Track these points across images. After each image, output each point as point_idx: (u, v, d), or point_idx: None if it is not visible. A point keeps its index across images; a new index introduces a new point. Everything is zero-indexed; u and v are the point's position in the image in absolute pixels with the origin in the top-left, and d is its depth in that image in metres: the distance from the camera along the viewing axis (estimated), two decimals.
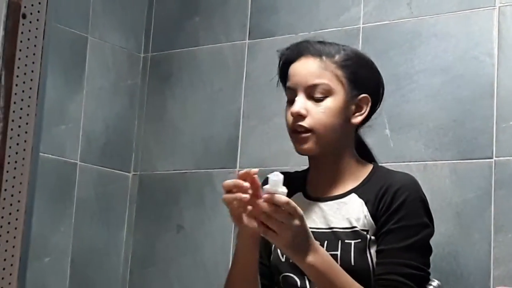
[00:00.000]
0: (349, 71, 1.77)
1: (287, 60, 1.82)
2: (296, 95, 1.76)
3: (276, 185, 1.55)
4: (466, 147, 2.24)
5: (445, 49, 2.32)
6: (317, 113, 1.73)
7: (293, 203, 1.56)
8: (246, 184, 1.57)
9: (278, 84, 1.86)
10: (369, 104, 1.79)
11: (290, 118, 1.76)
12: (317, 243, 1.63)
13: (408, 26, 2.39)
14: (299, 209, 1.57)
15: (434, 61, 2.33)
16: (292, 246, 1.58)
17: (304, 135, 1.74)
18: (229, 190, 1.59)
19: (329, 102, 1.74)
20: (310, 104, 1.75)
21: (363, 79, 1.79)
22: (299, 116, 1.74)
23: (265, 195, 1.55)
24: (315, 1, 2.56)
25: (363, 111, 1.79)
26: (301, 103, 1.74)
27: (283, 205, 1.54)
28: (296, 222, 1.55)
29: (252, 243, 1.67)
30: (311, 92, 1.75)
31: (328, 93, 1.74)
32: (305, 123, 1.73)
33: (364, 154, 1.87)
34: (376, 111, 1.85)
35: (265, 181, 1.57)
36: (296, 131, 1.75)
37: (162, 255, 2.70)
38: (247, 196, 1.57)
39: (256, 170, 1.60)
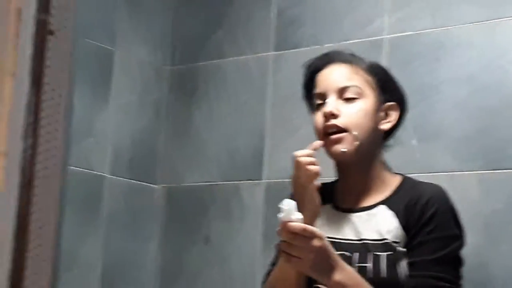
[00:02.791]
0: (378, 78, 1.77)
1: (315, 69, 1.81)
2: (325, 99, 1.75)
3: (290, 213, 1.56)
4: (494, 157, 2.23)
5: (470, 59, 2.32)
6: (351, 113, 1.72)
7: (309, 228, 1.56)
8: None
9: (304, 97, 1.86)
10: (398, 112, 1.79)
11: (320, 121, 1.74)
12: (341, 260, 1.62)
13: (433, 36, 2.39)
14: (317, 230, 1.58)
15: (459, 71, 2.33)
16: (317, 267, 1.58)
17: (338, 135, 1.72)
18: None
19: (361, 103, 1.74)
20: (342, 104, 1.74)
21: (391, 87, 1.80)
22: (332, 116, 1.72)
23: (281, 225, 1.56)
24: (339, 12, 2.57)
25: (391, 119, 1.78)
26: (332, 103, 1.74)
27: (300, 232, 1.54)
28: (316, 243, 1.56)
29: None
30: (342, 94, 1.74)
31: (359, 95, 1.74)
32: (338, 122, 1.72)
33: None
34: (400, 124, 1.85)
35: (279, 211, 1.58)
36: (328, 133, 1.73)
37: (190, 266, 2.71)
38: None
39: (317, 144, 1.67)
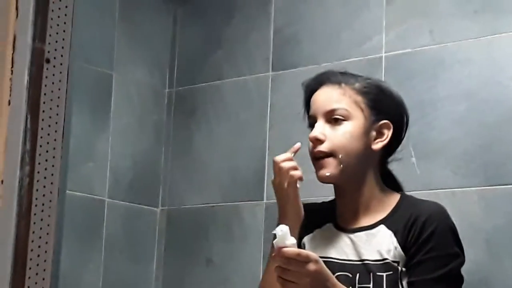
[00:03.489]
0: (369, 98, 1.77)
1: (310, 90, 1.83)
2: (316, 122, 1.77)
3: (284, 238, 1.57)
4: (494, 172, 2.23)
5: (469, 75, 2.32)
6: (336, 136, 1.74)
7: (304, 252, 1.57)
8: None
9: (304, 117, 1.87)
10: (391, 130, 1.79)
11: (311, 145, 1.77)
12: (338, 283, 1.62)
13: (431, 53, 2.39)
14: (312, 254, 1.58)
15: (458, 88, 2.33)
16: None
17: (323, 160, 1.74)
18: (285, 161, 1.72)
19: (348, 126, 1.75)
20: (328, 128, 1.75)
21: (383, 105, 1.79)
22: (318, 141, 1.74)
23: (275, 250, 1.56)
24: (336, 31, 2.58)
25: (384, 137, 1.78)
26: (319, 127, 1.75)
27: (294, 257, 1.55)
28: (312, 267, 1.56)
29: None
30: (329, 117, 1.76)
31: (346, 117, 1.75)
32: (323, 147, 1.74)
33: (391, 184, 1.86)
34: (402, 142, 1.84)
35: (274, 237, 1.59)
36: (316, 157, 1.75)
37: None
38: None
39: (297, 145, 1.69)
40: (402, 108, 1.84)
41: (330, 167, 1.74)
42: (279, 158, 1.74)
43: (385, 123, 1.78)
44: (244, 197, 2.64)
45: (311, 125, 1.79)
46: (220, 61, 2.80)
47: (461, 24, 2.36)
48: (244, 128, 2.71)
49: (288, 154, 1.74)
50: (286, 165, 1.72)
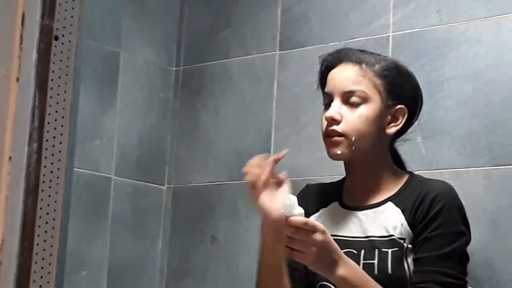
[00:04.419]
0: (388, 81, 1.77)
1: (327, 66, 1.82)
2: (331, 101, 1.77)
3: (291, 208, 1.58)
4: (499, 153, 2.23)
5: (476, 55, 2.32)
6: (352, 119, 1.74)
7: (311, 221, 1.58)
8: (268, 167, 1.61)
9: (318, 87, 1.87)
10: (405, 116, 1.79)
11: (325, 123, 1.76)
12: (344, 255, 1.63)
13: (438, 33, 2.39)
14: (319, 224, 1.59)
15: (465, 68, 2.33)
16: (320, 261, 1.59)
17: (336, 138, 1.74)
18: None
19: (364, 109, 1.75)
20: (345, 109, 1.75)
21: (401, 90, 1.79)
22: (333, 121, 1.74)
23: (283, 221, 1.58)
24: (344, 10, 2.57)
25: (398, 122, 1.79)
26: (336, 107, 1.75)
27: (301, 226, 1.56)
28: (318, 236, 1.57)
29: (274, 235, 1.68)
30: (347, 98, 1.75)
31: (364, 100, 1.75)
32: (338, 128, 1.74)
33: (399, 165, 1.87)
34: (413, 124, 1.85)
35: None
36: (329, 135, 1.76)
37: (197, 266, 2.72)
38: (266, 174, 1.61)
39: (285, 151, 1.65)
40: (418, 92, 1.85)
41: (342, 147, 1.74)
42: (250, 162, 1.70)
43: (400, 108, 1.78)
44: None
45: (327, 102, 1.79)
46: (227, 39, 2.80)
47: (469, 4, 2.35)
48: (250, 107, 2.71)
49: (260, 156, 1.70)
50: (248, 165, 1.69)
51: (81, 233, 2.54)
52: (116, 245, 2.65)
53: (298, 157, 2.56)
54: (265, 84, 2.69)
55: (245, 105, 2.72)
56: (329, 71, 1.81)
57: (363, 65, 1.77)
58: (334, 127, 1.74)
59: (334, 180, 1.96)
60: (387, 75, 1.77)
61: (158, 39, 2.85)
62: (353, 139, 1.73)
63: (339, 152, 1.74)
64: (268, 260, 1.71)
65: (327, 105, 1.79)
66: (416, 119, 1.86)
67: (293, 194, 1.67)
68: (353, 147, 1.74)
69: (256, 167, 1.68)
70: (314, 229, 1.58)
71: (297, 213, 1.59)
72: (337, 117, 1.74)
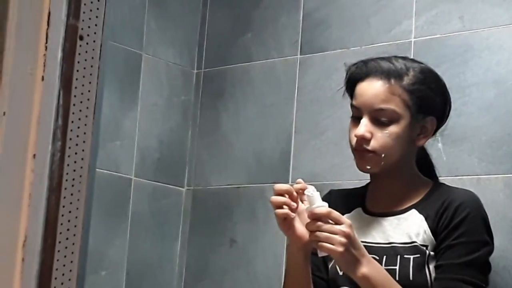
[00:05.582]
0: (417, 96, 1.75)
1: (354, 78, 1.81)
2: (361, 115, 1.76)
3: (314, 200, 1.59)
4: None
5: (498, 62, 2.31)
6: (382, 137, 1.73)
7: (336, 213, 1.58)
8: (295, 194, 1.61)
9: (344, 94, 1.87)
10: (435, 126, 1.79)
11: (354, 138, 1.76)
12: (368, 254, 1.64)
13: (460, 39, 2.38)
14: (345, 218, 1.59)
15: (487, 74, 2.32)
16: (348, 255, 1.59)
17: (366, 154, 1.74)
18: (279, 194, 1.62)
19: (394, 128, 1.74)
20: (374, 127, 1.74)
21: (431, 102, 1.78)
22: (363, 139, 1.74)
23: (307, 214, 1.58)
24: (366, 15, 2.57)
25: (427, 133, 1.78)
26: (365, 126, 1.74)
27: (326, 216, 1.56)
28: (345, 227, 1.57)
29: (302, 255, 1.69)
30: (376, 116, 1.74)
31: (394, 118, 1.73)
32: (369, 146, 1.73)
33: (426, 170, 1.87)
34: (441, 128, 1.85)
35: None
36: (359, 150, 1.75)
37: (215, 268, 2.72)
38: (295, 204, 1.61)
39: (308, 186, 1.63)
40: (447, 100, 1.84)
41: (372, 163, 1.74)
42: (276, 187, 1.68)
43: (430, 119, 1.78)
44: (269, 179, 2.65)
45: (355, 115, 1.78)
46: (249, 43, 2.80)
47: (491, 11, 2.34)
48: (271, 111, 2.71)
49: (286, 186, 1.68)
50: (275, 199, 1.66)
51: (101, 233, 2.55)
52: (135, 246, 2.66)
53: (317, 161, 2.56)
54: (286, 88, 2.69)
55: (265, 109, 2.73)
56: (357, 82, 1.80)
57: (392, 81, 1.75)
58: (364, 146, 1.73)
59: (354, 185, 1.96)
60: (416, 90, 1.76)
61: (179, 41, 2.86)
62: (383, 155, 1.73)
63: (368, 167, 1.75)
64: (296, 277, 1.72)
65: (356, 118, 1.78)
66: (445, 122, 1.85)
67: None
68: (382, 163, 1.74)
69: (282, 198, 1.65)
70: (339, 220, 1.58)
71: (321, 205, 1.59)
72: (368, 135, 1.74)
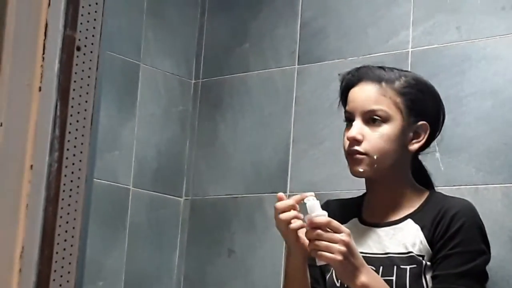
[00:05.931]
0: (408, 98, 1.76)
1: (347, 84, 1.83)
2: (353, 119, 1.77)
3: (314, 209, 1.60)
4: None
5: (495, 72, 2.31)
6: (373, 138, 1.74)
7: (335, 222, 1.59)
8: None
9: (339, 105, 1.88)
10: (428, 132, 1.79)
11: (347, 142, 1.77)
12: (366, 264, 1.64)
13: (458, 49, 2.39)
14: (343, 226, 1.60)
15: (484, 84, 2.32)
16: (347, 264, 1.59)
17: (358, 156, 1.75)
18: (284, 211, 1.63)
19: (386, 128, 1.75)
20: (366, 129, 1.75)
21: (423, 106, 1.78)
22: (355, 141, 1.75)
23: (307, 223, 1.59)
24: (363, 25, 2.57)
25: (421, 138, 1.78)
26: (357, 128, 1.75)
27: (326, 225, 1.57)
28: (344, 236, 1.58)
29: (303, 263, 1.69)
30: (368, 117, 1.76)
31: (385, 119, 1.75)
32: (360, 147, 1.74)
33: (422, 180, 1.87)
34: (437, 138, 1.85)
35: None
36: (351, 153, 1.76)
37: (213, 279, 2.72)
38: (302, 215, 1.62)
39: (308, 194, 1.64)
40: (440, 106, 1.84)
41: (364, 165, 1.75)
42: (279, 205, 1.68)
43: (423, 124, 1.78)
44: (267, 189, 2.65)
45: (348, 121, 1.80)
46: (246, 53, 2.81)
47: (488, 21, 2.35)
48: (269, 121, 2.72)
49: (289, 202, 1.69)
50: (283, 217, 1.67)
51: (99, 243, 2.55)
52: (133, 256, 2.66)
53: (315, 171, 2.56)
54: (284, 98, 2.70)
55: (263, 119, 2.73)
56: (350, 89, 1.81)
57: (383, 83, 1.77)
58: (356, 147, 1.74)
59: (352, 195, 1.96)
60: (408, 92, 1.77)
61: (177, 51, 2.86)
62: (375, 157, 1.74)
63: (361, 170, 1.75)
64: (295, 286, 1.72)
65: (349, 124, 1.79)
66: (439, 132, 1.85)
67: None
68: (375, 165, 1.74)
69: (292, 212, 1.67)
70: (338, 230, 1.58)
71: (321, 214, 1.60)
72: (359, 137, 1.75)
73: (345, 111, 1.82)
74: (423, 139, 1.79)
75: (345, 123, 1.82)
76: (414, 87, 1.79)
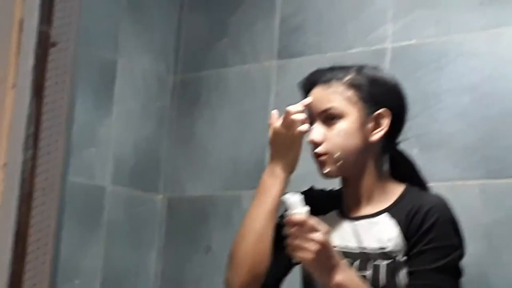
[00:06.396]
0: (360, 90, 1.77)
1: (305, 91, 1.85)
2: (313, 124, 1.79)
3: (294, 205, 1.61)
4: (495, 166, 2.23)
5: (473, 68, 2.32)
6: (332, 136, 1.76)
7: (311, 220, 1.59)
8: None
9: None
10: (388, 118, 1.79)
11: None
12: (344, 262, 1.64)
13: (436, 45, 2.39)
14: (320, 224, 1.61)
15: (462, 80, 2.33)
16: (320, 262, 1.60)
17: (322, 158, 1.76)
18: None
19: (342, 124, 1.76)
20: (325, 129, 1.77)
21: (377, 95, 1.78)
22: (315, 143, 1.77)
23: (287, 220, 1.60)
24: (342, 21, 2.57)
25: (381, 127, 1.78)
26: (316, 130, 1.77)
27: (301, 223, 1.58)
28: (320, 235, 1.59)
29: (285, 180, 1.81)
30: (324, 118, 1.77)
31: (340, 115, 1.76)
32: (322, 148, 1.76)
33: (399, 173, 1.86)
34: (405, 125, 1.84)
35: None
36: (316, 157, 1.78)
37: (191, 276, 2.71)
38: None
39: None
40: (397, 92, 1.83)
41: (329, 165, 1.76)
42: (292, 108, 1.77)
43: (380, 113, 1.78)
44: (245, 186, 2.64)
45: (311, 125, 1.81)
46: (225, 48, 2.80)
47: (466, 17, 2.35)
48: (247, 117, 2.71)
49: (299, 107, 1.77)
50: (297, 117, 1.76)
51: (75, 241, 2.53)
52: (110, 254, 2.65)
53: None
54: (262, 93, 2.69)
55: (241, 115, 2.72)
56: (306, 95, 1.84)
57: (333, 82, 1.79)
58: (317, 150, 1.77)
59: (336, 189, 1.96)
60: (358, 84, 1.78)
61: (155, 47, 2.85)
62: (337, 155, 1.75)
63: (327, 170, 1.77)
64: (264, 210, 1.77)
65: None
66: (405, 118, 1.84)
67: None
68: (340, 162, 1.75)
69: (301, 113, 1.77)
70: (315, 228, 1.59)
71: (299, 212, 1.60)
72: (318, 138, 1.76)
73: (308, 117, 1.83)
74: (384, 127, 1.79)
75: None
76: (364, 78, 1.80)
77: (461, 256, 1.73)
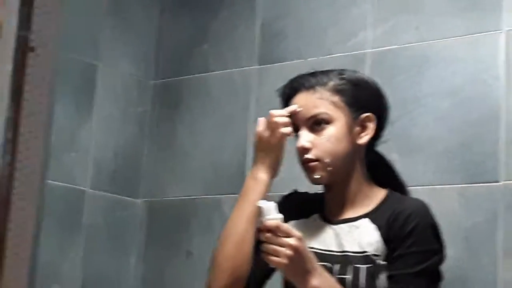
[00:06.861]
0: (345, 94, 1.78)
1: (286, 98, 1.84)
2: (298, 131, 1.79)
3: (268, 212, 1.61)
4: (475, 170, 2.25)
5: (453, 72, 2.33)
6: (321, 143, 1.75)
7: (285, 226, 1.60)
8: None
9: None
10: (374, 122, 1.80)
11: (298, 152, 1.78)
12: (320, 266, 1.64)
13: (416, 50, 2.40)
14: (294, 230, 1.61)
15: (442, 85, 2.34)
16: (294, 268, 1.61)
17: (312, 164, 1.76)
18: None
19: (331, 130, 1.76)
20: (312, 135, 1.77)
21: (362, 99, 1.80)
22: (304, 150, 1.76)
23: (261, 226, 1.60)
24: (323, 26, 2.58)
25: (368, 130, 1.79)
26: (304, 137, 1.77)
27: (274, 229, 1.58)
28: (293, 241, 1.59)
29: (268, 182, 1.79)
30: (311, 124, 1.77)
31: (328, 121, 1.76)
32: (311, 155, 1.76)
33: (379, 177, 1.87)
34: (386, 127, 1.85)
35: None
36: (305, 163, 1.77)
37: (171, 281, 2.71)
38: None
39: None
40: (380, 96, 1.84)
41: (319, 171, 1.76)
42: (275, 112, 1.77)
43: (366, 116, 1.79)
44: (226, 191, 2.64)
45: (296, 132, 1.81)
46: (206, 54, 2.80)
47: (447, 22, 2.37)
48: (228, 122, 2.71)
49: (283, 111, 1.78)
50: (279, 120, 1.76)
51: (55, 246, 2.52)
52: (90, 259, 2.64)
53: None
54: (243, 98, 2.69)
55: (222, 120, 2.72)
56: (288, 102, 1.83)
57: (317, 87, 1.79)
58: (307, 156, 1.76)
59: (318, 192, 1.96)
60: (343, 89, 1.79)
61: (136, 52, 2.84)
62: (327, 161, 1.75)
63: (317, 176, 1.76)
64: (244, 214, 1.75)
65: (297, 136, 1.80)
66: (386, 120, 1.85)
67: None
68: (330, 168, 1.75)
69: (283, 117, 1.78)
70: (288, 234, 1.59)
71: (273, 218, 1.60)
72: (307, 145, 1.76)
73: (292, 124, 1.82)
74: (371, 130, 1.80)
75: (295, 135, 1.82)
76: (348, 83, 1.80)
77: (441, 260, 1.74)
